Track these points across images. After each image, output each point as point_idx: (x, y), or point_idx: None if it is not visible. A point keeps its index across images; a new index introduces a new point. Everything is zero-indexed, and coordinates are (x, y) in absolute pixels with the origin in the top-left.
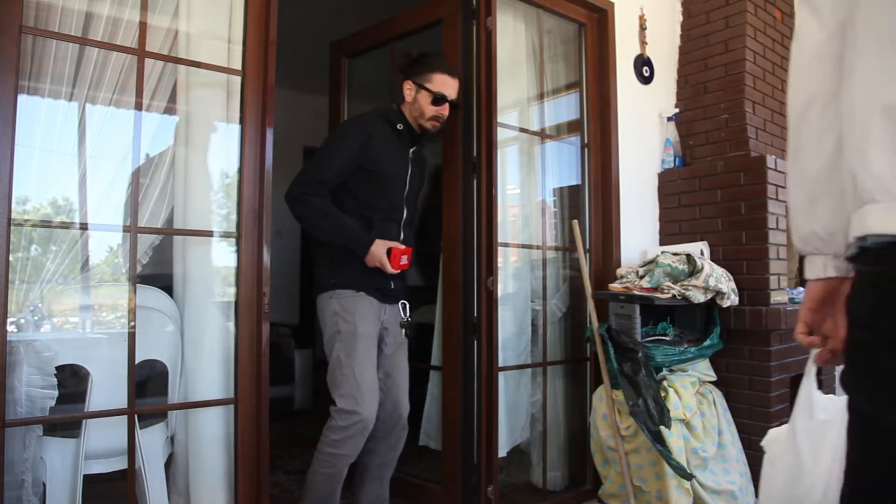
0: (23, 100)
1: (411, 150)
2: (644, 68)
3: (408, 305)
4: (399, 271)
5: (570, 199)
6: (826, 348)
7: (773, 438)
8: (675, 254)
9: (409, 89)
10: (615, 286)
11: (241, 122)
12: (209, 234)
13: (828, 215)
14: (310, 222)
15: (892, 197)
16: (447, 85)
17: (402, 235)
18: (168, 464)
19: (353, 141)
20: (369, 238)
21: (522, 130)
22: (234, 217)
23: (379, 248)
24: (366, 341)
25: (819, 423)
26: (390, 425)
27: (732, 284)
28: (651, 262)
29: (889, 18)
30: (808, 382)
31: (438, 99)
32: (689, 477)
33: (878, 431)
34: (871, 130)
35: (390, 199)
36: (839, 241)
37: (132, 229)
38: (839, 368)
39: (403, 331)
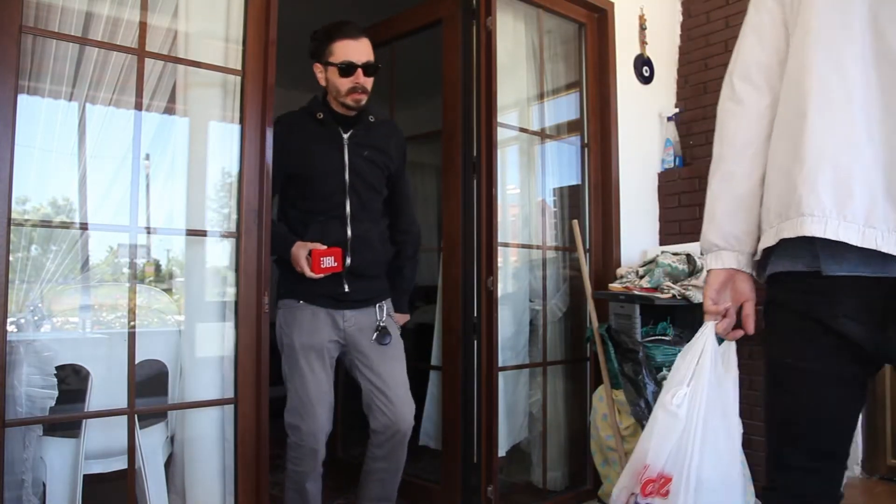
0: (23, 100)
1: (347, 136)
2: (644, 68)
3: (384, 307)
4: (333, 273)
5: (570, 199)
6: (725, 320)
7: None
8: (675, 254)
9: (318, 72)
10: (615, 286)
11: (241, 122)
12: (209, 233)
13: (745, 223)
14: None
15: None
16: (351, 49)
17: (349, 232)
18: (168, 464)
19: (275, 147)
20: (292, 240)
21: (522, 130)
22: (234, 217)
23: (297, 251)
24: (306, 354)
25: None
26: (388, 438)
27: None
28: (651, 262)
29: (787, 108)
30: (708, 344)
31: (344, 68)
32: None
33: (776, 368)
34: (801, 174)
35: (324, 197)
36: (749, 242)
37: (132, 229)
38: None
39: (375, 336)
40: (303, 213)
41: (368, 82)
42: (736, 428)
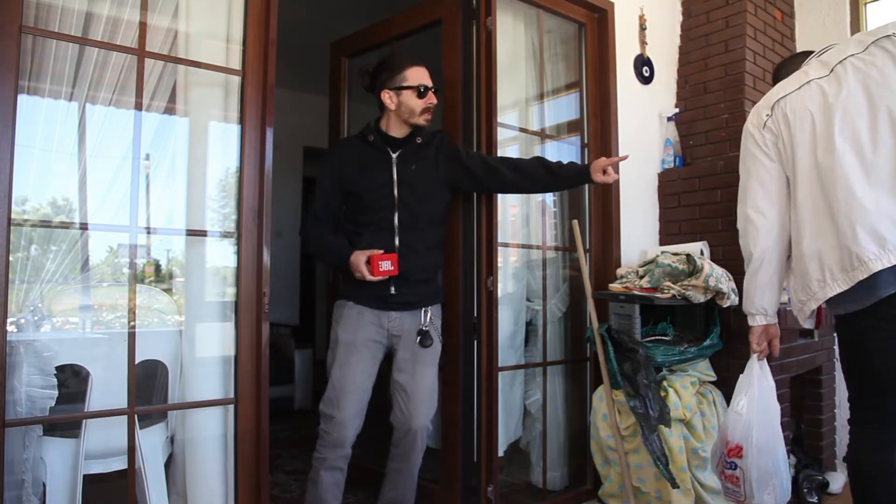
0: (23, 100)
1: (395, 155)
2: (644, 68)
3: (429, 312)
4: (390, 276)
5: (570, 199)
6: (763, 353)
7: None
8: (675, 254)
9: (388, 98)
10: (615, 286)
11: (241, 122)
12: (209, 233)
13: (770, 298)
14: (313, 253)
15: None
16: (422, 75)
17: (396, 241)
18: (168, 464)
19: (328, 168)
20: (349, 251)
21: (522, 130)
22: (234, 217)
23: (356, 258)
24: (347, 348)
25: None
26: (401, 436)
27: (732, 284)
28: (651, 262)
29: (815, 206)
30: (754, 368)
31: (423, 91)
32: (674, 485)
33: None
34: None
35: (374, 211)
36: (773, 311)
37: (132, 229)
38: None
39: (418, 338)
40: (357, 226)
41: (436, 102)
42: (776, 412)
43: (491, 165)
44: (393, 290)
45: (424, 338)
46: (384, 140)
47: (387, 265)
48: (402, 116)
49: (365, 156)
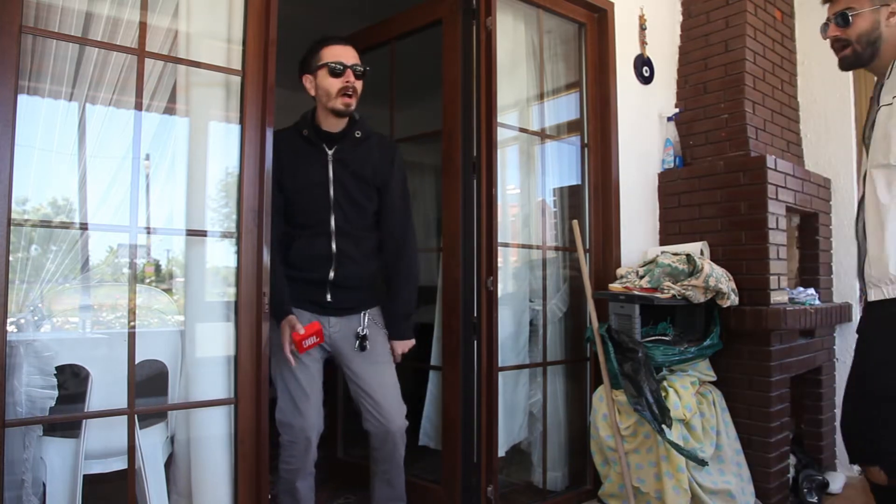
0: (23, 100)
1: (331, 152)
2: (644, 68)
3: (368, 315)
4: (317, 283)
5: (570, 199)
6: None
7: None
8: (675, 254)
9: (308, 83)
10: (615, 286)
11: (241, 122)
12: (209, 233)
13: None
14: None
15: None
16: (339, 52)
17: (334, 247)
18: (168, 464)
19: (273, 163)
20: (283, 311)
21: (522, 130)
22: (234, 217)
23: (284, 327)
24: (286, 353)
25: None
26: (381, 439)
27: (732, 284)
28: (651, 262)
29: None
30: None
31: (335, 68)
32: (703, 463)
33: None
34: None
35: (309, 213)
36: None
37: (132, 229)
38: None
39: (357, 343)
40: (293, 227)
41: (358, 85)
42: None
43: (382, 217)
44: (329, 297)
45: (362, 342)
46: (318, 135)
47: (310, 341)
48: (321, 102)
49: (300, 151)
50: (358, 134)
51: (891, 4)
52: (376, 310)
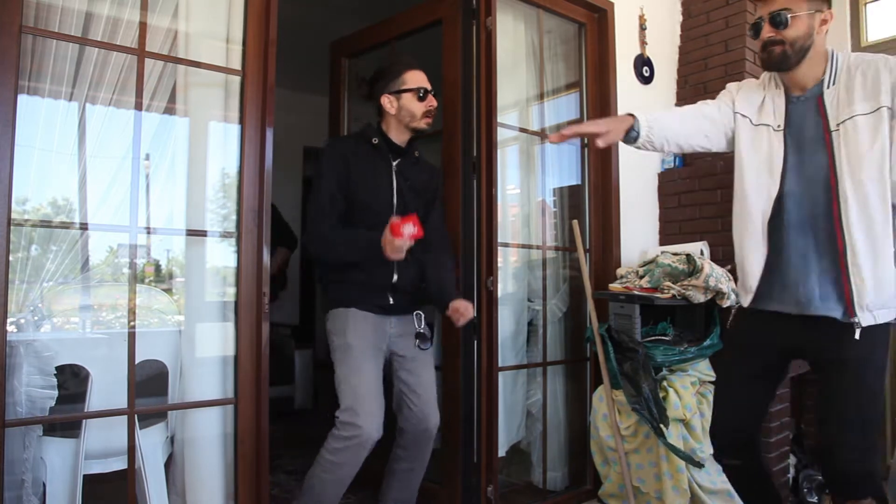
0: (23, 100)
1: (395, 163)
2: (644, 68)
3: (423, 316)
4: (379, 287)
5: (570, 199)
6: None
7: None
8: (675, 254)
9: (388, 102)
10: (615, 286)
11: (241, 122)
12: (209, 233)
13: None
14: (331, 254)
15: None
16: (420, 78)
17: None
18: (168, 464)
19: (330, 167)
20: (377, 234)
21: (522, 130)
22: (234, 217)
23: (385, 236)
24: (360, 353)
25: None
26: (416, 437)
27: (732, 284)
28: (651, 262)
29: None
30: None
31: (423, 94)
32: (699, 465)
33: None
34: None
35: (376, 215)
36: None
37: (132, 229)
38: None
39: (417, 342)
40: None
41: (436, 105)
42: None
43: (433, 222)
44: (391, 300)
45: (423, 340)
46: (388, 145)
47: (408, 228)
48: (403, 121)
49: (368, 158)
50: (416, 154)
51: (824, 12)
52: (424, 311)
